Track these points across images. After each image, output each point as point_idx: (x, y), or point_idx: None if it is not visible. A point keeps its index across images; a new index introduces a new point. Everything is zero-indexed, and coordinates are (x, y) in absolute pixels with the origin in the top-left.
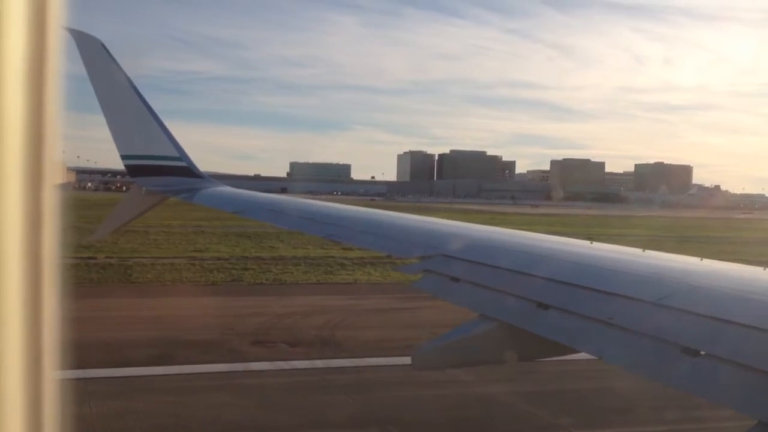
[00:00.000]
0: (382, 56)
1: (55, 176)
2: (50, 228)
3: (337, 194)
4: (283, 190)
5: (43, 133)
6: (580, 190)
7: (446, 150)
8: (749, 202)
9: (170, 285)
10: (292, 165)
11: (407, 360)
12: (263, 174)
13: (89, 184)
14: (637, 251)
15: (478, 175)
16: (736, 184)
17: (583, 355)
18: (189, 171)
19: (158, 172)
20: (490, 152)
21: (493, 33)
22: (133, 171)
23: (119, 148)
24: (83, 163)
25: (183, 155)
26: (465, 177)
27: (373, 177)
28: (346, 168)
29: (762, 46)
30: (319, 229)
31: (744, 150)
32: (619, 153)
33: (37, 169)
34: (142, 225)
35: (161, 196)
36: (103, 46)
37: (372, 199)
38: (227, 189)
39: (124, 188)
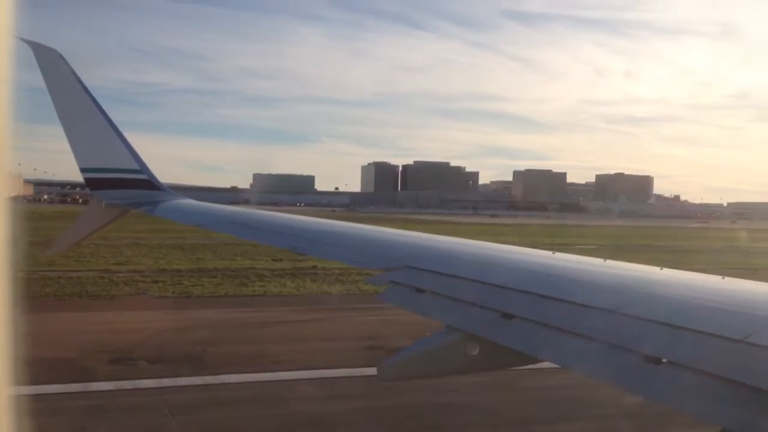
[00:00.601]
0: (346, 68)
1: (5, 188)
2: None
3: (300, 205)
4: (246, 202)
5: None
6: (541, 200)
7: (411, 161)
8: (707, 212)
9: (66, 300)
10: (255, 176)
11: (264, 376)
12: (226, 185)
13: (45, 197)
14: (599, 261)
15: (442, 186)
16: (696, 195)
17: (547, 364)
18: (150, 184)
19: (118, 185)
20: (454, 163)
21: (457, 45)
22: (92, 184)
23: (78, 161)
24: (41, 175)
25: (143, 168)
26: (429, 188)
27: (336, 188)
28: (310, 179)
29: (721, 58)
30: (282, 241)
31: (704, 161)
32: (582, 164)
33: None
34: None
35: (121, 209)
36: (62, 57)
37: (333, 210)
38: (189, 201)
39: (80, 200)
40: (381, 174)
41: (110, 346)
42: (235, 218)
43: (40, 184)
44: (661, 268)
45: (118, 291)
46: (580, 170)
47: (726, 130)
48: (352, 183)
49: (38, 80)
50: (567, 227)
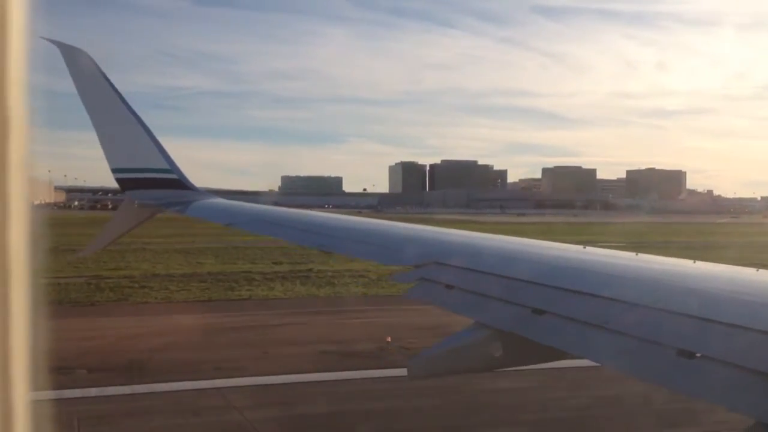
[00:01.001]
0: (374, 68)
1: (28, 195)
2: (22, 247)
3: (328, 207)
4: (275, 205)
5: (7, 151)
6: (570, 197)
7: (440, 160)
8: (740, 207)
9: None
10: (284, 179)
11: (194, 384)
12: (254, 188)
13: (76, 203)
14: (631, 255)
15: (470, 185)
16: (730, 189)
17: (580, 361)
18: (181, 183)
19: (150, 185)
20: (484, 161)
21: (486, 42)
22: (124, 184)
23: (110, 162)
24: (72, 182)
25: (174, 168)
26: (457, 187)
27: (365, 189)
28: (338, 180)
29: (754, 49)
30: (311, 240)
31: (738, 154)
32: (613, 159)
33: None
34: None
35: (154, 209)
36: (90, 57)
37: (359, 211)
38: (219, 201)
39: (110, 206)
40: (408, 174)
41: (60, 353)
42: (264, 216)
43: (72, 191)
44: (694, 261)
45: (101, 297)
46: (612, 166)
47: (760, 121)
48: (381, 183)
49: (66, 85)
50: (591, 225)
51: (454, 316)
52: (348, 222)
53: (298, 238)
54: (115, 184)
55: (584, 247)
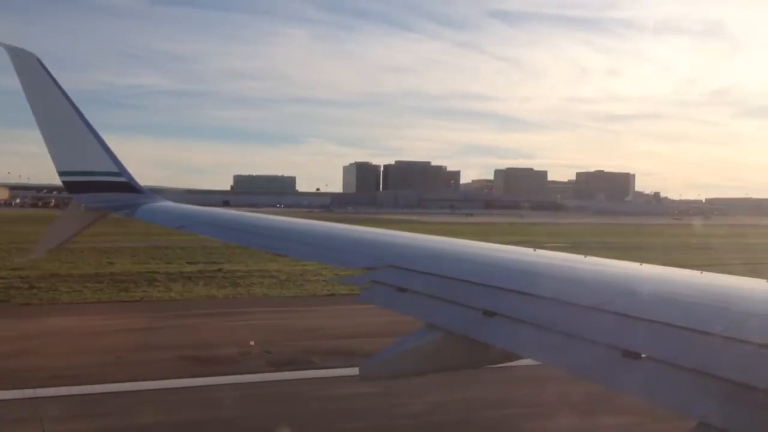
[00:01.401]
0: (333, 69)
1: None
2: None
3: (279, 206)
4: (226, 204)
5: None
6: (521, 198)
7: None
8: (685, 209)
9: None
10: (236, 178)
11: (20, 393)
12: (210, 187)
13: (18, 200)
14: (579, 257)
15: (423, 186)
16: (677, 191)
17: (529, 361)
18: (129, 186)
19: (97, 188)
20: (441, 163)
21: (443, 46)
22: (71, 187)
23: (56, 165)
24: (16, 179)
25: (123, 171)
26: (410, 187)
27: (318, 189)
28: (291, 180)
29: (704, 55)
30: (257, 242)
31: (686, 157)
32: (566, 162)
33: None
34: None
35: (101, 212)
36: (39, 61)
37: (310, 211)
38: (168, 204)
39: (53, 204)
40: (362, 174)
41: None
42: (212, 220)
43: (15, 188)
44: (641, 264)
45: None
46: (565, 168)
47: (708, 126)
48: (336, 184)
49: (15, 83)
50: (533, 225)
51: (342, 319)
52: (297, 225)
53: (245, 240)
54: (53, 181)
55: (534, 250)
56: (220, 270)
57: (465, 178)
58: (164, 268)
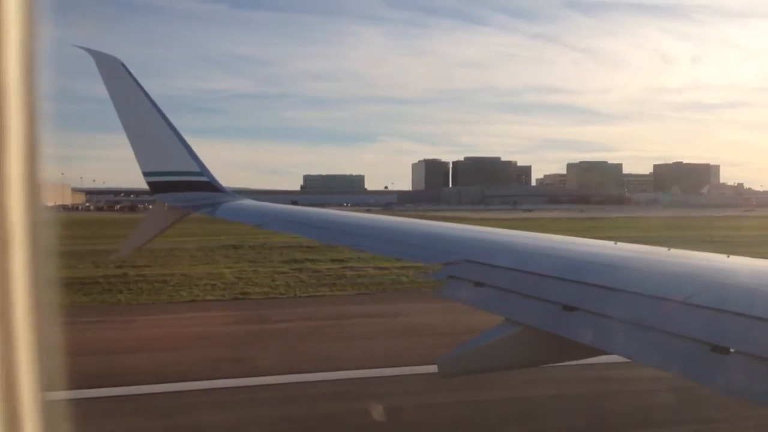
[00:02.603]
0: (407, 67)
1: (38, 197)
2: (36, 248)
3: (346, 205)
4: (294, 203)
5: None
6: (588, 193)
7: (463, 157)
8: (765, 200)
9: None
10: (306, 178)
11: None
12: (286, 188)
13: (86, 204)
14: (663, 250)
15: (492, 182)
16: None
17: (612, 357)
18: (210, 186)
19: (180, 188)
20: (517, 158)
21: (518, 39)
22: (155, 187)
23: (141, 165)
24: (90, 184)
25: (204, 170)
26: (480, 184)
27: (386, 187)
28: (360, 179)
29: None
30: (337, 238)
31: None
32: (649, 154)
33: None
34: None
35: (184, 211)
36: (123, 65)
37: (368, 209)
38: (248, 202)
39: (116, 207)
40: (431, 171)
41: None
42: (290, 217)
43: (91, 193)
44: (728, 256)
45: None
46: (645, 160)
47: None
48: (407, 181)
49: (93, 90)
50: (591, 220)
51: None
52: (375, 221)
53: (324, 237)
54: (131, 185)
55: (615, 243)
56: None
57: (539, 173)
58: (123, 272)
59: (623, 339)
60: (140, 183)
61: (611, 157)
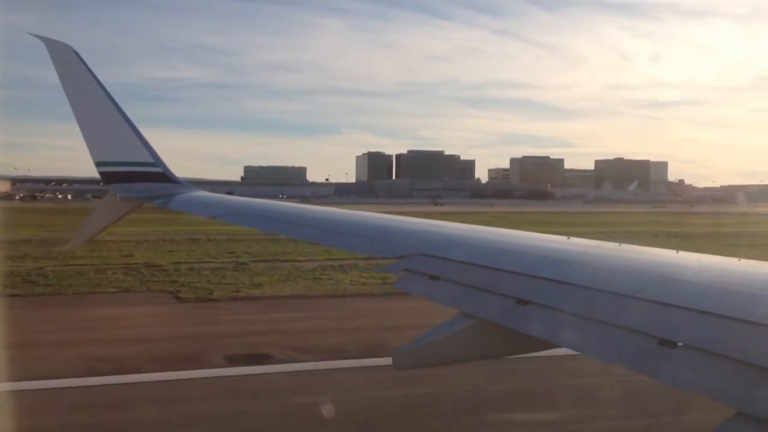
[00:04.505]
0: (370, 59)
1: None
2: None
3: (282, 197)
4: (229, 194)
5: None
6: (509, 188)
7: (406, 150)
8: (697, 196)
9: None
10: (246, 168)
11: None
12: (215, 178)
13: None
14: (614, 245)
15: (435, 175)
16: (727, 179)
17: (564, 350)
18: (164, 176)
19: (133, 179)
20: (478, 153)
21: (481, 34)
22: (107, 178)
23: (93, 155)
24: (19, 173)
25: (158, 161)
26: (423, 177)
27: (327, 179)
28: (302, 170)
29: (750, 39)
30: (292, 230)
31: (733, 144)
32: (608, 150)
33: None
34: None
35: (137, 202)
36: (75, 52)
37: (302, 201)
38: (202, 193)
39: (38, 197)
40: (374, 164)
41: None
42: (245, 209)
43: (22, 181)
44: (677, 251)
45: None
46: (604, 156)
47: (755, 113)
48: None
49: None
50: (483, 214)
51: None
52: (331, 214)
53: (280, 229)
54: (80, 174)
55: (568, 238)
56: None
57: (486, 168)
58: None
59: (574, 332)
60: (84, 172)
61: (573, 153)
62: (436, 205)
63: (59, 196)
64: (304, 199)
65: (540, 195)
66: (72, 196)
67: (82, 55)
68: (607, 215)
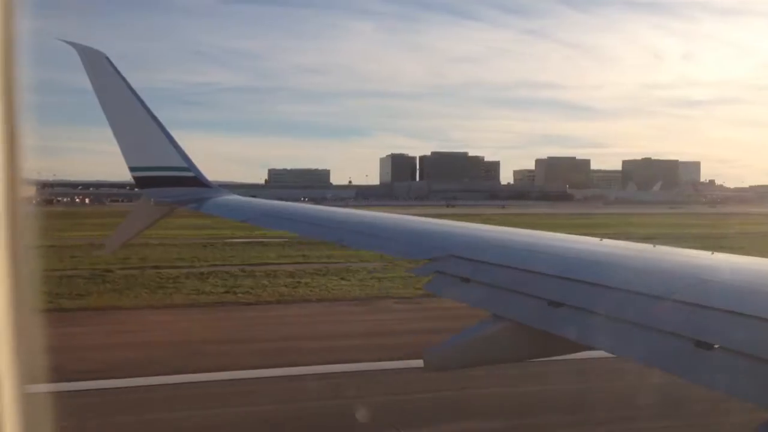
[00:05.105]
0: (399, 61)
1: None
2: (22, 243)
3: (303, 200)
4: (253, 197)
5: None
6: (527, 189)
7: (429, 152)
8: (723, 197)
9: None
10: (270, 172)
11: None
12: (242, 181)
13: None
14: (648, 246)
15: (459, 177)
16: (758, 179)
17: (596, 352)
18: (197, 181)
19: (166, 183)
20: (508, 154)
21: (510, 34)
22: (141, 182)
23: (127, 160)
24: (48, 177)
25: (191, 165)
26: (444, 179)
27: (349, 181)
28: (325, 173)
29: None
30: (325, 234)
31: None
32: (640, 150)
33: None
34: None
35: (170, 206)
36: (107, 59)
37: (305, 200)
38: (234, 197)
39: (54, 201)
40: (398, 166)
41: None
42: (277, 212)
43: (47, 186)
44: (712, 253)
45: None
46: (636, 156)
47: None
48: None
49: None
50: (507, 215)
51: None
52: (362, 217)
53: (312, 233)
54: (112, 178)
55: (600, 240)
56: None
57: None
58: None
59: (608, 335)
60: (112, 176)
61: (604, 153)
62: (447, 207)
63: (77, 200)
64: (321, 202)
65: (558, 196)
66: (90, 200)
67: (113, 61)
68: (612, 217)
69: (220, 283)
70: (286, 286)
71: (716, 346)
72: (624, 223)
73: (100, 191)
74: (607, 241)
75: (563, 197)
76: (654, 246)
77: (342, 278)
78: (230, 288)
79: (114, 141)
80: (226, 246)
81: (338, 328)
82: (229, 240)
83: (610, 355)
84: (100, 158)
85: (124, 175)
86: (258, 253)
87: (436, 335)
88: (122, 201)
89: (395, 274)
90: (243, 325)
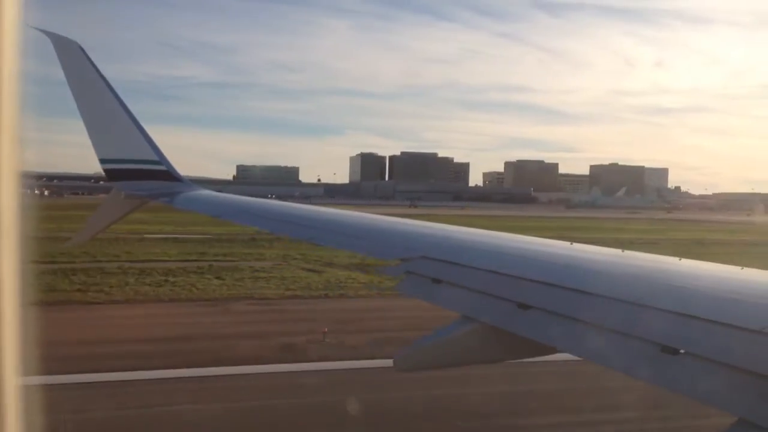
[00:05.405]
0: (374, 60)
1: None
2: (10, 234)
3: (271, 196)
4: (219, 192)
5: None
6: (489, 191)
7: (399, 152)
8: (685, 204)
9: None
10: (239, 168)
11: None
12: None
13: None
14: (617, 251)
15: (427, 177)
16: (729, 186)
17: (563, 355)
18: (169, 175)
19: (138, 176)
20: (479, 157)
21: (484, 36)
22: (112, 175)
23: (98, 152)
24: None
25: (162, 159)
26: (412, 179)
27: (318, 179)
28: (294, 170)
29: (753, 48)
30: (297, 231)
31: (737, 152)
32: (609, 155)
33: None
34: None
35: (141, 200)
36: (81, 49)
37: (275, 197)
38: (206, 192)
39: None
40: (367, 165)
41: None
42: (250, 209)
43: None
44: (680, 259)
45: None
46: (605, 161)
47: (758, 121)
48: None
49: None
50: (444, 216)
51: None
52: (336, 215)
53: (285, 230)
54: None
55: (571, 244)
56: None
57: (481, 171)
58: None
59: (576, 338)
60: (86, 169)
61: (574, 157)
62: (411, 207)
63: (36, 192)
64: (288, 200)
65: (523, 199)
66: (48, 193)
67: (88, 52)
68: (562, 220)
69: (82, 281)
70: (150, 285)
71: (682, 351)
72: (560, 227)
73: (63, 183)
74: (577, 245)
75: (528, 200)
76: (623, 251)
77: (218, 277)
78: (88, 285)
79: (83, 132)
80: (138, 241)
81: (148, 331)
82: (150, 235)
83: (578, 358)
84: (69, 150)
85: (93, 168)
86: (163, 249)
87: (245, 340)
88: (82, 194)
89: (284, 274)
90: (55, 328)
